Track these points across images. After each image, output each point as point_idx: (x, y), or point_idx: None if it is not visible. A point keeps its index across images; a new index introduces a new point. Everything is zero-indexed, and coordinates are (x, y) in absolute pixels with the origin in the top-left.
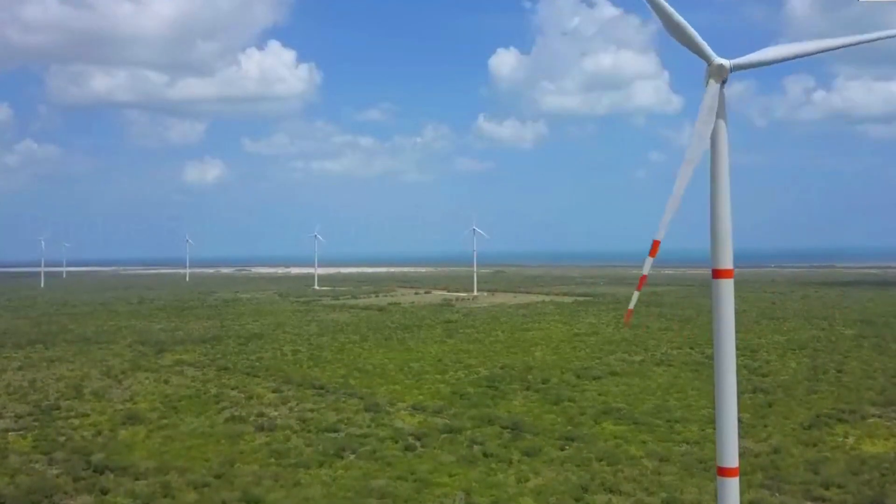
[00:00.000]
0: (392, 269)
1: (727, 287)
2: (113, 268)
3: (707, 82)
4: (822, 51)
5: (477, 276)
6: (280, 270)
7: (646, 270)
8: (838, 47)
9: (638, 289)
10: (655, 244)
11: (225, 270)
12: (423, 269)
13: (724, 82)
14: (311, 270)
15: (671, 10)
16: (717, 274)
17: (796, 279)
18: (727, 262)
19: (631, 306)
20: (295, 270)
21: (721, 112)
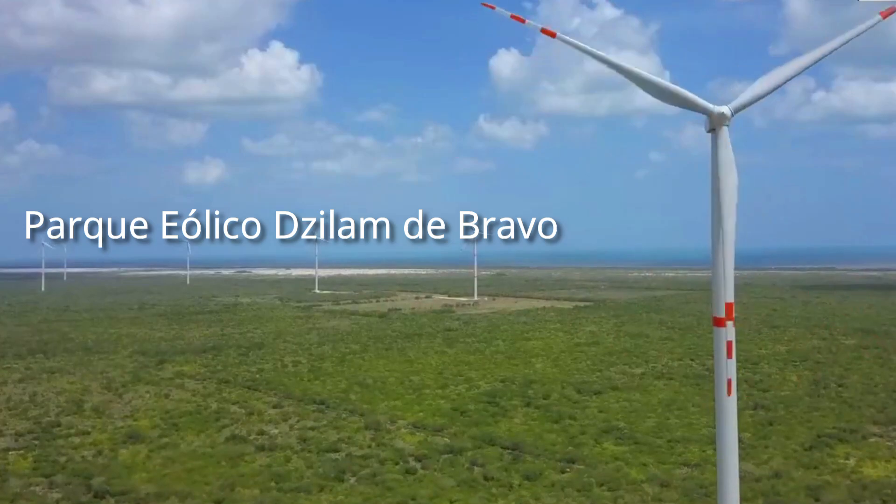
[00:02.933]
0: (392, 272)
1: (728, 336)
2: (113, 269)
3: (710, 130)
4: (808, 66)
5: (478, 279)
6: (280, 272)
7: None
8: (823, 56)
9: None
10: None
11: (225, 272)
12: (423, 272)
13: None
14: (311, 272)
15: (655, 79)
16: (719, 322)
17: (797, 282)
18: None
19: None
20: (295, 272)
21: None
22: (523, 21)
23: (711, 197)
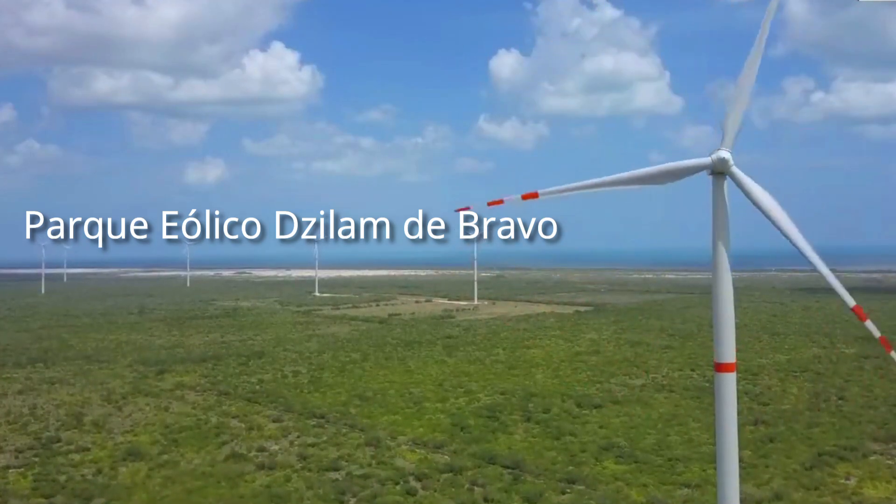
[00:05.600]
0: (392, 273)
1: (729, 382)
2: (113, 269)
3: (711, 174)
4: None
5: (478, 281)
6: (280, 274)
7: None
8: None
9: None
10: (858, 311)
11: (226, 273)
12: (423, 273)
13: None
14: (311, 273)
15: (645, 171)
16: (720, 368)
17: (797, 285)
18: (730, 356)
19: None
20: (296, 273)
21: (722, 202)
22: (501, 202)
23: (713, 242)
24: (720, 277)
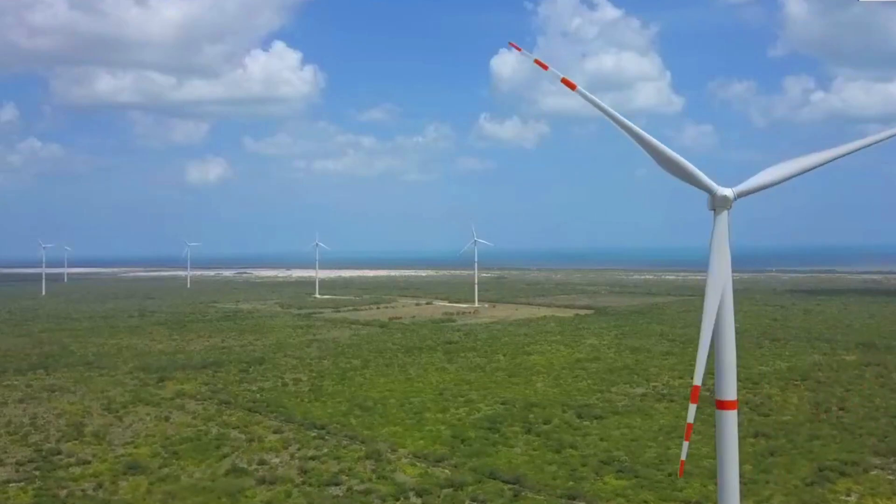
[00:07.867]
0: (393, 273)
1: (731, 419)
2: (114, 269)
3: (712, 209)
4: (823, 163)
5: (478, 282)
6: (281, 274)
7: (690, 419)
8: (838, 157)
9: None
10: (695, 389)
11: (226, 273)
12: (423, 273)
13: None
14: (312, 273)
15: (665, 148)
16: (721, 405)
17: (798, 286)
18: (731, 393)
19: (683, 457)
20: (296, 273)
21: (724, 237)
22: (545, 67)
23: (715, 273)
24: (722, 314)
